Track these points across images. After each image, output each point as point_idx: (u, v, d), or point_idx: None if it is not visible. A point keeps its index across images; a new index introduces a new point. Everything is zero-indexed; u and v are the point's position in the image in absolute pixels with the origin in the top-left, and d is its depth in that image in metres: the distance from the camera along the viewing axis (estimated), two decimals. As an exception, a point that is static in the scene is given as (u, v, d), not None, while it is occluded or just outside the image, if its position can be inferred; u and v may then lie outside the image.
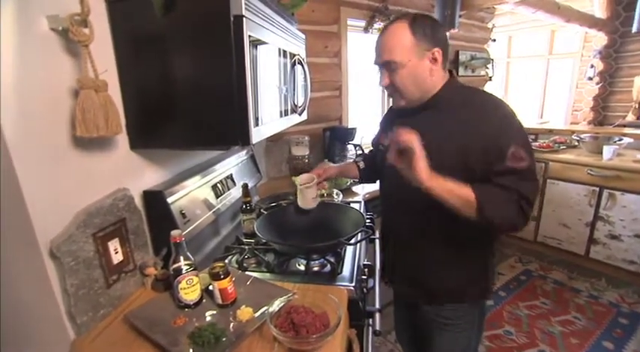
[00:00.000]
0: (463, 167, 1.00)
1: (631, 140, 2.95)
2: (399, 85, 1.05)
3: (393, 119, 1.22)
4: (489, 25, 3.85)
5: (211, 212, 1.35)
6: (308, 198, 1.36)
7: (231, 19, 0.87)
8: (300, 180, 1.37)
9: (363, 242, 1.36)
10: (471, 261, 1.14)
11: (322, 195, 1.74)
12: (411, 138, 0.90)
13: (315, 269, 1.19)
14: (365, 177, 1.48)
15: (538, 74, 5.20)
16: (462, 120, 1.02)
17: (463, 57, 3.52)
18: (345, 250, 1.27)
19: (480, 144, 0.98)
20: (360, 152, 2.47)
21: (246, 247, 1.30)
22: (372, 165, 1.43)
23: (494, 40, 4.00)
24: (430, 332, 1.25)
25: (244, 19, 0.88)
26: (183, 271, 0.96)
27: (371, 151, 1.52)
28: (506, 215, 0.97)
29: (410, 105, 1.09)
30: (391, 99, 1.16)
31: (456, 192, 0.95)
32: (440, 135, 1.04)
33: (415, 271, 1.20)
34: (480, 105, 1.04)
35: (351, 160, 1.53)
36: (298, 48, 1.46)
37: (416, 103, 1.08)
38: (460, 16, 2.74)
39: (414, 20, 1.01)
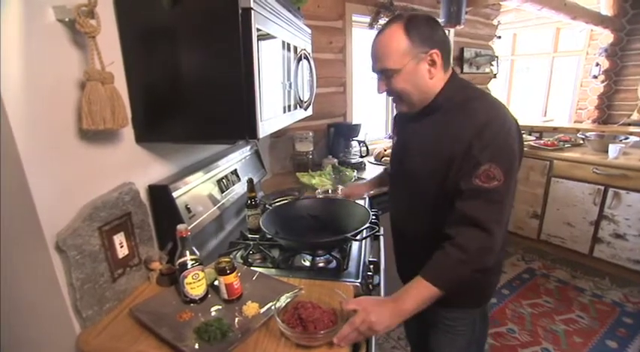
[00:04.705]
0: (444, 176, 0.97)
1: (637, 138, 2.93)
2: (399, 91, 1.01)
3: (402, 123, 1.19)
4: (495, 22, 3.82)
5: (216, 207, 1.34)
6: None
7: (240, 11, 0.86)
8: None
9: (369, 238, 1.35)
10: None
11: (327, 191, 1.73)
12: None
13: (321, 265, 1.18)
14: None
15: (542, 72, 5.16)
16: (448, 123, 0.98)
17: (468, 54, 3.50)
18: (350, 246, 1.27)
19: (450, 148, 0.94)
20: (364, 148, 2.47)
21: (251, 243, 1.29)
22: None
23: (500, 37, 3.97)
24: (430, 332, 1.25)
25: (252, 11, 0.87)
26: (189, 266, 0.95)
27: None
28: (468, 274, 0.91)
29: (412, 110, 1.06)
30: (394, 105, 1.13)
31: (421, 302, 0.88)
32: (433, 140, 1.02)
33: (415, 269, 1.19)
34: (471, 108, 0.97)
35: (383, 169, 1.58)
36: (304, 42, 1.45)
37: (418, 108, 1.04)
38: (466, 13, 2.71)
39: (408, 21, 0.95)
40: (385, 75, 1.00)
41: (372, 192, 1.65)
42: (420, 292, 0.89)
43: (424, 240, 1.09)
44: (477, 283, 1.13)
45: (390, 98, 1.09)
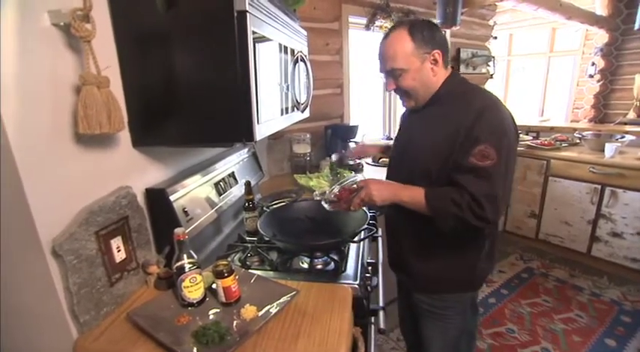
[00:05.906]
0: (447, 158, 1.05)
1: (633, 138, 2.94)
2: (407, 88, 1.12)
3: (404, 118, 1.34)
4: (491, 23, 3.83)
5: (213, 210, 1.34)
6: None
7: (235, 14, 0.86)
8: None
9: (367, 240, 1.35)
10: (448, 252, 1.16)
11: (324, 193, 1.73)
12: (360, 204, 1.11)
13: (319, 267, 1.18)
14: None
15: (539, 72, 5.18)
16: (449, 112, 1.08)
17: (464, 54, 3.51)
18: (348, 248, 1.27)
19: (451, 131, 1.03)
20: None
21: (249, 245, 1.29)
22: None
23: (496, 38, 3.98)
24: (422, 321, 1.29)
25: (248, 14, 0.87)
26: (187, 269, 0.95)
27: None
28: (452, 213, 0.99)
29: (418, 104, 1.17)
30: (401, 101, 1.23)
31: (412, 201, 1.06)
32: (434, 127, 1.11)
33: (404, 258, 1.24)
34: (470, 97, 1.09)
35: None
36: (301, 45, 1.45)
37: (423, 102, 1.16)
38: (462, 14, 2.72)
39: (412, 26, 1.07)
40: (393, 74, 1.11)
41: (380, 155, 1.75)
42: (416, 196, 1.05)
43: (419, 230, 1.16)
44: (466, 267, 1.19)
45: (398, 96, 1.21)
